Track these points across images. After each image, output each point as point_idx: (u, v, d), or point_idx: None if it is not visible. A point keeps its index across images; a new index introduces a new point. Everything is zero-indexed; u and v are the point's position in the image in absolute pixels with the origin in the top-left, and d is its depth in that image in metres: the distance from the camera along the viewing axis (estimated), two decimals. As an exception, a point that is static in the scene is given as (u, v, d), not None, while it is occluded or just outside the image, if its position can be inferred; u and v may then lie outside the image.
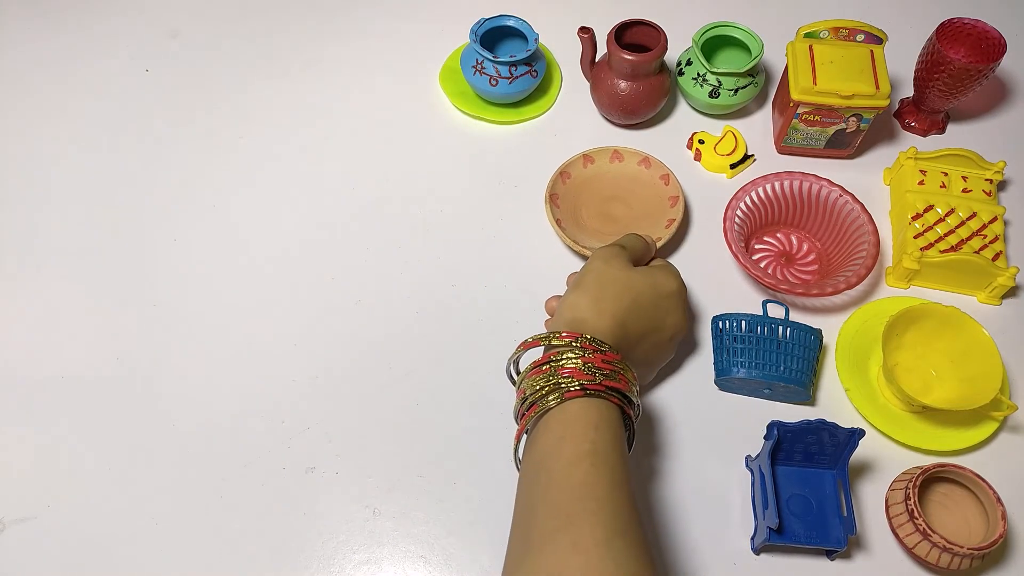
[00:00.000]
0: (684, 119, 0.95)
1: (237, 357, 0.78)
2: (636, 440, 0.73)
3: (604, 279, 0.67)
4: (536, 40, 0.89)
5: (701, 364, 0.77)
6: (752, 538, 0.68)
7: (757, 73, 0.91)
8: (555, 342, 0.61)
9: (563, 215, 0.83)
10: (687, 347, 0.78)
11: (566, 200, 0.85)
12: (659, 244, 0.80)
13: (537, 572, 0.50)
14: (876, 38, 0.87)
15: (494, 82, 0.89)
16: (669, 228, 0.82)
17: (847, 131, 0.86)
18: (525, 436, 0.61)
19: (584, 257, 0.83)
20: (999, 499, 0.64)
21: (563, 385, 0.59)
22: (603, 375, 0.59)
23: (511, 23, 0.90)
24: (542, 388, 0.59)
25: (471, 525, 0.70)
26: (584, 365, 0.59)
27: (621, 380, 0.60)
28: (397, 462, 0.73)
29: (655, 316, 0.68)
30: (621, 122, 0.93)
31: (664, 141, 0.92)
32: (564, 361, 0.60)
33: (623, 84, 0.87)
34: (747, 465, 0.72)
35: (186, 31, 1.03)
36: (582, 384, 0.58)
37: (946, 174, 0.84)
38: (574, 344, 0.61)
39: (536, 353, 0.63)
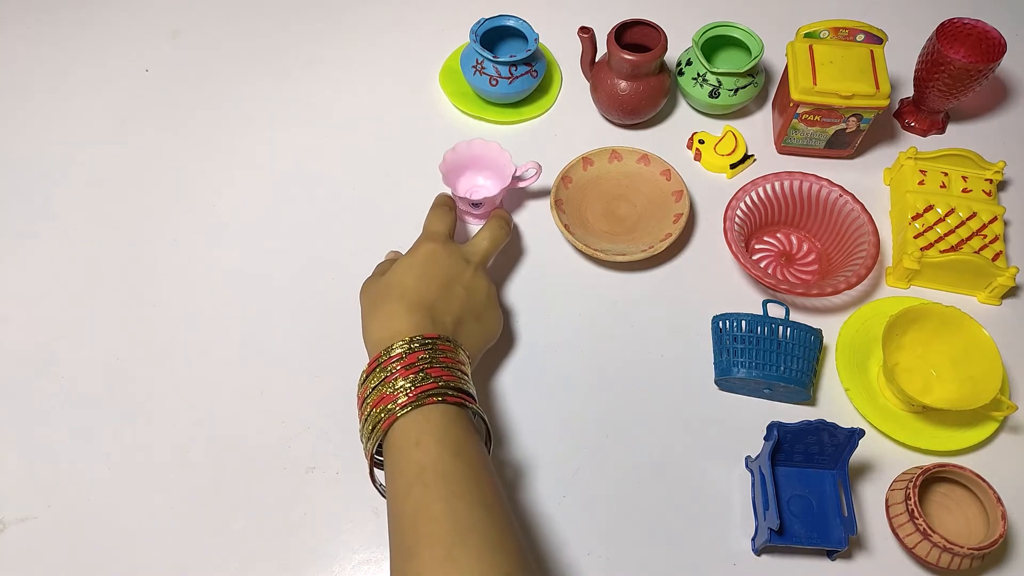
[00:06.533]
0: (684, 119, 0.95)
1: (237, 357, 0.78)
2: (635, 441, 0.74)
3: (373, 297, 0.68)
4: (536, 40, 0.89)
5: (701, 364, 0.77)
6: (753, 539, 0.68)
7: (757, 73, 0.91)
8: (368, 381, 0.61)
9: (569, 219, 0.83)
10: (687, 347, 0.78)
11: (570, 204, 0.85)
12: (669, 240, 0.80)
13: None
14: (876, 38, 0.87)
15: (494, 82, 0.89)
16: (677, 223, 0.82)
17: (847, 131, 0.86)
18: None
19: (596, 260, 0.83)
20: (999, 499, 0.65)
21: (376, 416, 0.58)
22: (413, 383, 0.58)
23: (511, 23, 0.90)
24: (362, 431, 0.60)
25: (471, 525, 0.70)
26: (389, 385, 0.59)
27: (435, 370, 0.60)
28: (397, 462, 0.73)
29: (440, 266, 0.69)
30: (621, 122, 0.93)
31: (664, 141, 0.92)
32: (373, 395, 0.59)
33: (623, 84, 0.87)
34: (747, 466, 0.72)
35: (186, 31, 1.03)
36: (389, 409, 0.57)
37: (946, 174, 0.84)
38: (377, 370, 0.60)
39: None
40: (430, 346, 0.61)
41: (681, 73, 0.92)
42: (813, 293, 0.76)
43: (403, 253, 0.73)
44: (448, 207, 0.77)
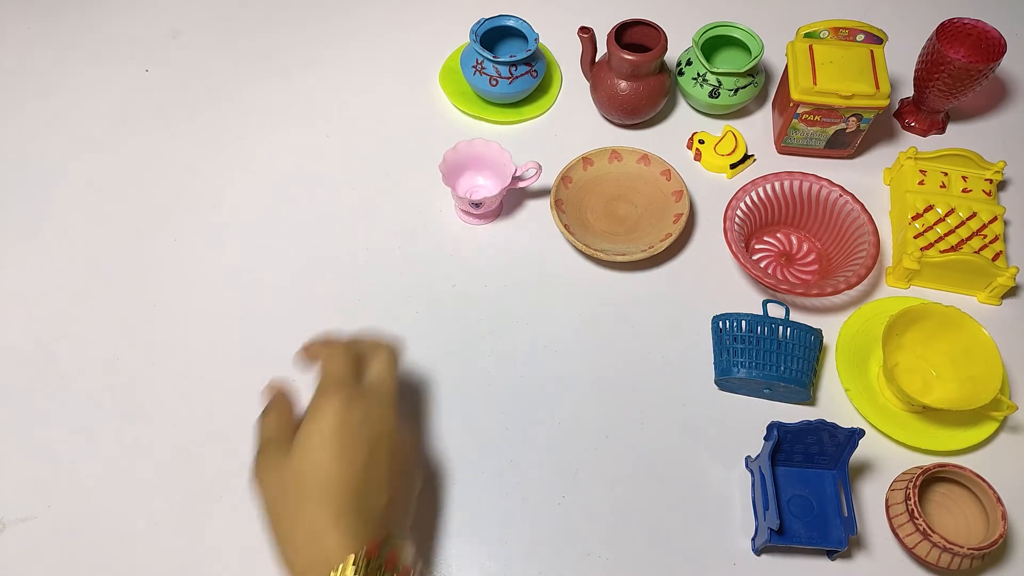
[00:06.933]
0: (684, 119, 0.95)
1: (237, 356, 0.78)
2: (635, 441, 0.74)
3: (280, 498, 0.52)
4: (536, 40, 0.89)
5: (701, 364, 0.77)
6: (753, 539, 0.68)
7: (757, 73, 0.91)
8: None
9: (569, 220, 0.83)
10: (687, 347, 0.78)
11: (571, 204, 0.85)
12: (669, 240, 0.80)
13: None
14: (876, 38, 0.87)
15: (494, 82, 0.89)
16: (677, 223, 0.82)
17: (847, 131, 0.86)
18: None
19: (596, 260, 0.83)
20: (999, 499, 0.65)
21: None
22: None
23: (511, 23, 0.90)
24: None
25: (471, 525, 0.70)
26: None
27: None
28: (397, 462, 0.73)
29: (362, 446, 0.53)
30: (621, 122, 0.93)
31: (664, 141, 0.92)
32: None
33: (623, 84, 0.87)
34: (747, 466, 0.72)
35: (186, 31, 1.03)
36: None
37: (946, 174, 0.84)
38: None
39: None
40: (375, 566, 0.48)
41: (681, 73, 0.92)
42: (813, 293, 0.76)
43: (318, 343, 0.59)
44: (330, 345, 0.59)
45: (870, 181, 0.89)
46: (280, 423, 0.56)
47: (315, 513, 0.49)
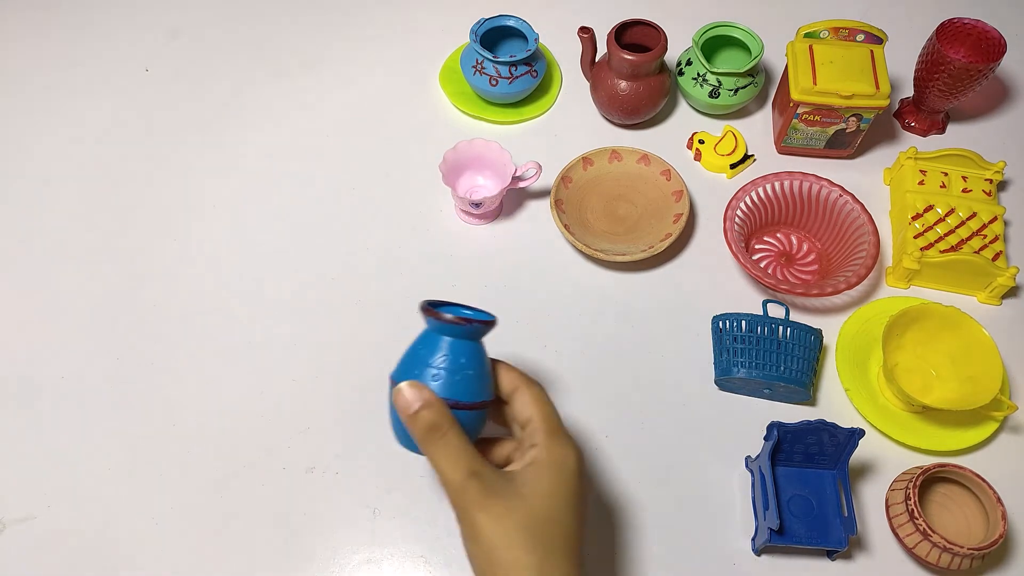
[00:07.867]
0: (684, 119, 0.95)
1: (237, 357, 0.78)
2: (635, 441, 0.74)
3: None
4: (536, 40, 0.89)
5: (701, 364, 0.77)
6: (753, 539, 0.68)
7: (757, 73, 0.91)
8: None
9: (569, 220, 0.83)
10: (687, 347, 0.78)
11: (571, 204, 0.85)
12: (669, 240, 0.80)
13: None
14: (876, 38, 0.87)
15: (494, 82, 0.89)
16: (677, 223, 0.82)
17: (847, 131, 0.86)
18: None
19: (596, 260, 0.83)
20: (999, 499, 0.65)
21: None
22: None
23: (511, 23, 0.90)
24: None
25: (471, 525, 0.70)
26: None
27: None
28: (397, 462, 0.73)
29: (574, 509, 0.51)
30: (621, 122, 0.93)
31: (664, 141, 0.92)
32: None
33: (623, 84, 0.87)
34: (747, 466, 0.72)
35: (186, 31, 1.03)
36: None
37: (946, 174, 0.84)
38: None
39: None
40: None
41: (681, 73, 0.92)
42: (813, 293, 0.76)
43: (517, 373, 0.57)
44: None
45: (870, 181, 0.89)
46: (470, 450, 0.51)
47: (562, 567, 0.49)
